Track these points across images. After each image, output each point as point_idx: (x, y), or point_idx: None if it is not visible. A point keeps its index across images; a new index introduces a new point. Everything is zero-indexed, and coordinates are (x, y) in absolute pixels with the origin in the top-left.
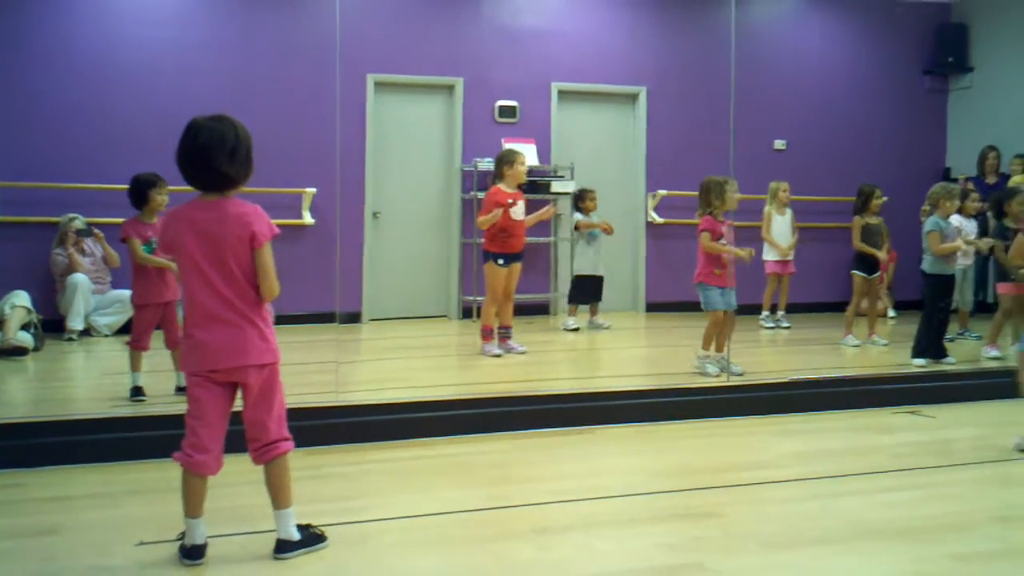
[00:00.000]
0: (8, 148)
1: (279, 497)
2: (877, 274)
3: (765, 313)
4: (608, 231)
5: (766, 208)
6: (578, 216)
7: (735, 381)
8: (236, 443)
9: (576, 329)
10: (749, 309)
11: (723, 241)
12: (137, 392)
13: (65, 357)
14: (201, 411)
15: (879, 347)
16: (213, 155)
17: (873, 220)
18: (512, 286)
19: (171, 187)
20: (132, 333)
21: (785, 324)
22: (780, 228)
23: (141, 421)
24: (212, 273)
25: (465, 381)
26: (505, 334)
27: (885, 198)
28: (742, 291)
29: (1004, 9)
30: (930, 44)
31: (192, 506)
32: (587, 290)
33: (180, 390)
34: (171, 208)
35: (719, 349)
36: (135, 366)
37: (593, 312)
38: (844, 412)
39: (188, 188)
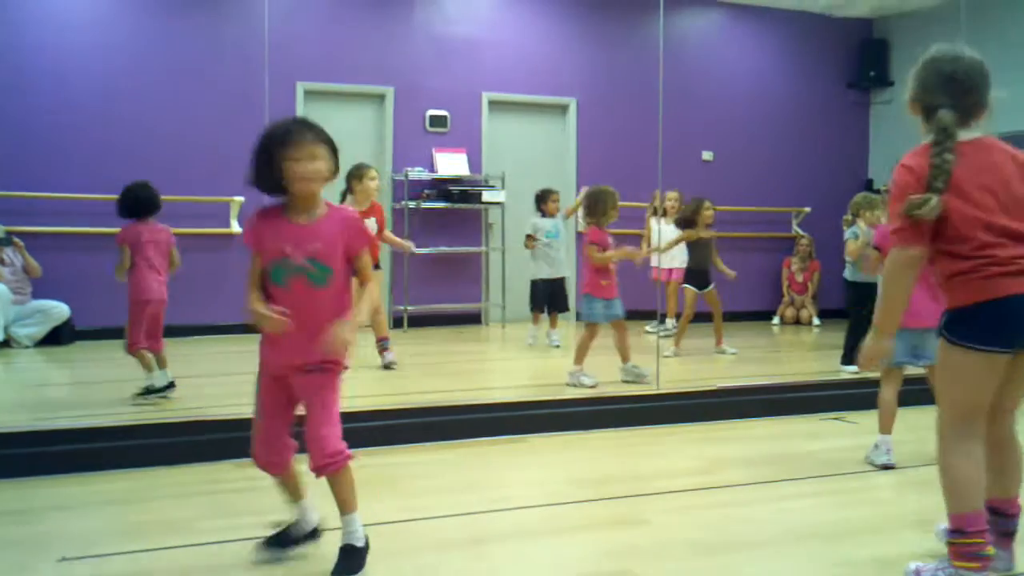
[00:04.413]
0: None
1: (340, 505)
2: (709, 288)
3: (670, 321)
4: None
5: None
6: (537, 221)
7: (664, 389)
8: None
9: (532, 344)
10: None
11: (609, 252)
12: (168, 387)
13: None
14: (259, 403)
15: (728, 356)
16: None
17: (704, 234)
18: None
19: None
20: (127, 336)
21: (664, 333)
22: (658, 236)
23: (59, 435)
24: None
25: (394, 391)
26: (382, 345)
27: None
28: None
29: (923, 25)
30: (853, 59)
31: (285, 496)
32: (546, 294)
33: (150, 392)
34: (264, 207)
35: (625, 359)
36: (147, 366)
37: (552, 323)
38: (770, 419)
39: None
